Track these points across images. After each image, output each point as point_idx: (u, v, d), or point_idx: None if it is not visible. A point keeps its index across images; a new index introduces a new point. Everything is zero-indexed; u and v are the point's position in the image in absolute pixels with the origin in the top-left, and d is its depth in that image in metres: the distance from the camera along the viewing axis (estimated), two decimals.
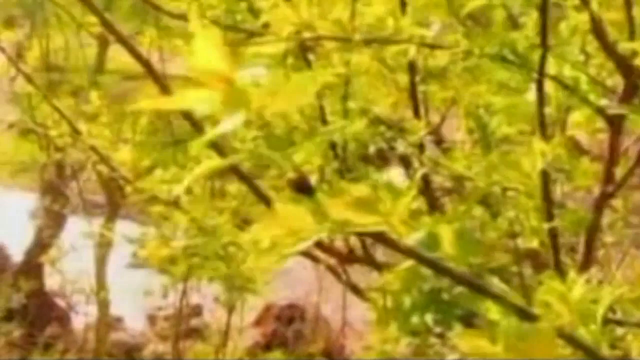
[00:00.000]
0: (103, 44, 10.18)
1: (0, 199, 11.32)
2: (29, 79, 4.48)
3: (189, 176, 1.16)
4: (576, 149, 3.46)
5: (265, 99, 1.16)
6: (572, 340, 1.43)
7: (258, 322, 10.93)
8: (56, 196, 10.98)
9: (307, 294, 10.92)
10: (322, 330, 10.78)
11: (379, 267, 3.05)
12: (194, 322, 10.77)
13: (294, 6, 2.64)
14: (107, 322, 10.28)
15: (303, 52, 2.70)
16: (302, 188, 1.22)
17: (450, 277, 1.38)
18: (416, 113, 3.11)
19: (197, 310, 10.75)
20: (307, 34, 2.49)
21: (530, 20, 2.89)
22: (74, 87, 10.32)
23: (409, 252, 1.31)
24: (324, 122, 2.68)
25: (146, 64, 2.26)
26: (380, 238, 1.28)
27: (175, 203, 3.85)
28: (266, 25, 3.11)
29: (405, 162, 3.28)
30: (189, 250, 3.90)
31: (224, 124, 1.21)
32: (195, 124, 2.19)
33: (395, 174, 1.29)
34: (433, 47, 2.66)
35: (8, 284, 10.97)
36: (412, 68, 3.12)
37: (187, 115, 2.23)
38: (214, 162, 1.18)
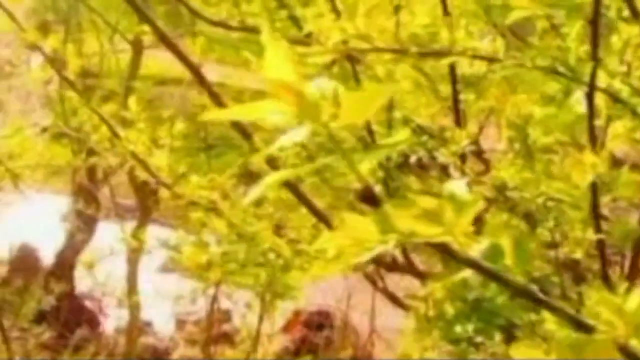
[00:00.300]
0: (137, 50, 10.25)
1: (32, 202, 11.42)
2: (71, 84, 4.51)
3: (257, 187, 1.18)
4: (612, 159, 3.45)
5: (336, 111, 1.18)
6: (628, 352, 1.43)
7: (287, 328, 10.95)
8: (88, 199, 11.07)
9: (335, 301, 10.93)
10: (351, 338, 10.79)
11: (420, 275, 3.06)
12: (223, 327, 10.81)
13: (338, 16, 2.66)
14: (138, 326, 10.34)
15: (351, 62, 2.72)
16: (368, 198, 1.24)
17: (511, 288, 1.39)
18: (458, 122, 3.12)
19: (226, 316, 10.79)
20: (356, 45, 2.51)
21: (573, 30, 2.89)
22: (107, 92, 10.39)
23: (471, 263, 1.32)
24: (370, 131, 2.70)
25: (196, 71, 2.28)
26: (443, 249, 1.30)
27: (214, 209, 3.87)
28: (308, 35, 3.13)
29: (445, 171, 3.29)
30: (226, 257, 3.92)
31: (292, 135, 1.23)
32: (245, 133, 2.21)
33: (458, 185, 1.30)
34: (486, 59, 2.67)
35: (39, 286, 11.06)
36: (454, 78, 3.13)
37: (236, 124, 2.25)
38: (282, 173, 1.20)
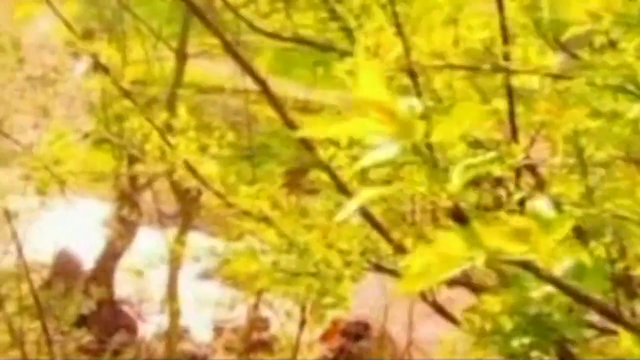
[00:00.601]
0: (181, 58, 10.33)
1: (74, 207, 11.53)
2: (126, 94, 4.56)
3: (351, 203, 1.20)
4: None
5: (428, 129, 1.20)
6: None
7: (324, 337, 10.96)
8: (129, 206, 11.15)
9: (373, 311, 10.92)
10: (388, 348, 10.78)
11: (475, 289, 3.07)
12: (261, 334, 10.84)
13: (399, 30, 2.68)
14: (177, 333, 10.41)
15: (411, 76, 2.74)
16: (457, 216, 1.26)
17: (590, 305, 1.41)
18: (514, 136, 3.13)
19: (265, 324, 10.83)
20: (418, 58, 2.54)
21: (631, 45, 2.90)
22: (149, 100, 10.46)
23: (553, 281, 1.34)
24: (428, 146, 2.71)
25: (262, 83, 2.31)
26: (527, 266, 1.31)
27: (265, 219, 3.90)
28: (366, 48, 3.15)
29: (500, 185, 3.30)
30: (276, 266, 3.94)
31: (382, 151, 1.25)
32: (310, 147, 2.24)
33: (542, 204, 1.32)
34: (557, 77, 2.68)
35: (79, 290, 11.17)
36: (509, 92, 3.14)
37: (303, 139, 2.28)
38: (375, 190, 1.22)
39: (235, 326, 11.08)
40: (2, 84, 10.98)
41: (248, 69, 2.44)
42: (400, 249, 2.95)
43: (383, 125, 1.18)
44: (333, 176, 2.71)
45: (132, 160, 10.97)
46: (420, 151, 1.22)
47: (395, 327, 10.96)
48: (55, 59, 11.48)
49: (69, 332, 10.30)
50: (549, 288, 1.41)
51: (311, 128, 1.19)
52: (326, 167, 2.74)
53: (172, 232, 10.60)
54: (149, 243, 10.77)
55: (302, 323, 7.59)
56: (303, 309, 6.86)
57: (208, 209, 11.17)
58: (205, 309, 10.86)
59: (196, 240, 10.21)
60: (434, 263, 1.26)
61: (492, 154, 1.21)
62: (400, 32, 2.62)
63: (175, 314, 10.13)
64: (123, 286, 11.82)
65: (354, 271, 3.60)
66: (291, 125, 2.49)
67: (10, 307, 9.62)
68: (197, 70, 12.31)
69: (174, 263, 9.90)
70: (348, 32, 3.99)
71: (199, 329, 11.86)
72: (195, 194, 9.40)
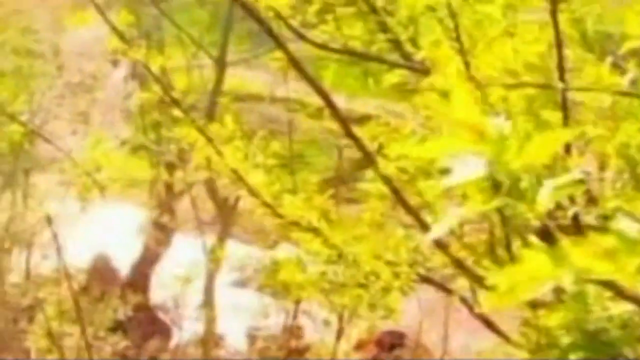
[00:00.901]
0: (220, 67, 10.38)
1: (111, 213, 11.62)
2: (177, 104, 4.61)
3: (444, 221, 1.22)
4: None
5: (515, 152, 1.22)
6: None
7: (359, 347, 10.96)
8: (165, 212, 11.22)
9: (409, 321, 10.90)
10: (423, 358, 10.76)
11: (530, 303, 3.07)
12: (296, 343, 10.85)
13: (459, 44, 2.70)
14: (213, 340, 10.45)
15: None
16: (545, 235, 1.27)
17: None
18: (567, 150, 3.13)
19: (299, 332, 10.84)
20: (478, 74, 2.55)
21: None
22: (188, 107, 10.52)
23: (634, 300, 1.35)
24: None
25: (325, 97, 2.33)
26: (611, 286, 1.32)
27: (314, 229, 3.92)
28: (419, 62, 3.17)
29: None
30: (325, 276, 3.97)
31: (464, 171, 1.27)
32: (369, 157, 2.26)
33: (627, 224, 1.33)
34: (628, 94, 2.68)
35: (115, 296, 11.23)
36: (564, 105, 3.15)
37: (361, 147, 2.30)
38: (466, 208, 1.24)
39: (268, 334, 11.11)
40: (42, 90, 11.09)
41: (311, 82, 2.46)
42: (458, 264, 2.97)
43: (475, 145, 1.20)
44: (394, 189, 2.73)
45: (170, 167, 11.07)
46: (508, 171, 1.23)
47: (430, 337, 10.94)
48: (94, 66, 11.59)
49: (105, 338, 10.36)
50: (629, 307, 1.42)
51: (401, 148, 1.21)
52: (386, 179, 2.76)
53: (208, 238, 10.64)
54: (185, 249, 10.83)
55: (340, 332, 7.60)
56: (340, 318, 6.87)
57: (245, 217, 11.22)
58: (241, 316, 10.90)
59: (232, 248, 10.26)
60: (521, 281, 1.27)
61: (576, 174, 1.23)
62: (461, 47, 2.63)
63: (210, 321, 10.17)
64: (159, 292, 11.89)
65: (403, 283, 3.62)
66: (354, 138, 2.52)
67: (48, 311, 9.70)
68: (234, 78, 12.39)
69: (211, 270, 9.95)
70: (396, 44, 4.01)
71: (234, 336, 11.89)
72: (233, 201, 9.45)
